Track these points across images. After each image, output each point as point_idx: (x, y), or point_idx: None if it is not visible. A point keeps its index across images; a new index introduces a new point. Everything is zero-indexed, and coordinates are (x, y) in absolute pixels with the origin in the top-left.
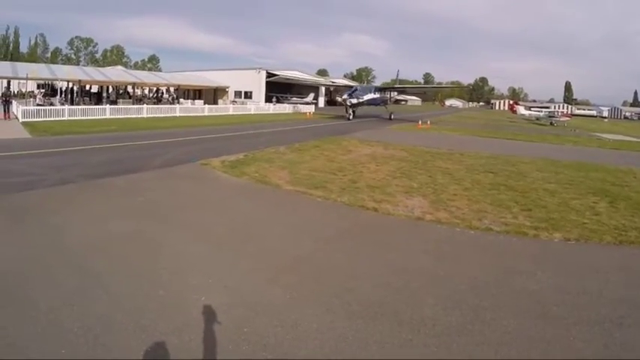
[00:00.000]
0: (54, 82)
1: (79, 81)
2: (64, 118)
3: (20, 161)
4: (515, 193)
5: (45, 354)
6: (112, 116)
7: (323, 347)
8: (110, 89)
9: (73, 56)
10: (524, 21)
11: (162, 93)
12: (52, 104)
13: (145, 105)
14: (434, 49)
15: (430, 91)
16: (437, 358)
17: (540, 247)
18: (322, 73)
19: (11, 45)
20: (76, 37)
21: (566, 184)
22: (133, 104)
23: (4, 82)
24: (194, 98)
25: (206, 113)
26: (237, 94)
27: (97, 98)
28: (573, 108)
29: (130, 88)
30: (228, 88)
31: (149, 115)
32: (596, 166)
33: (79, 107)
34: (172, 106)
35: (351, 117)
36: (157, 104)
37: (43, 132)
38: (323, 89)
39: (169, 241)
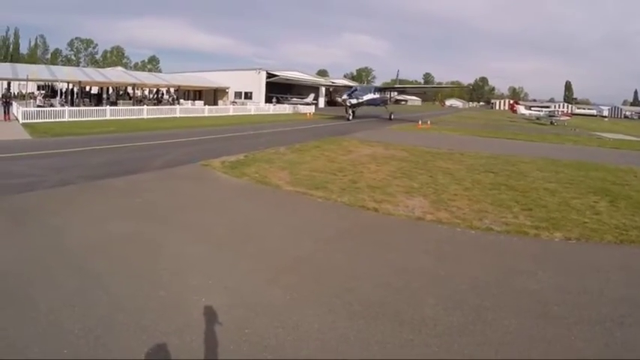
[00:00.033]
0: (54, 84)
1: (79, 82)
2: (64, 120)
3: (20, 162)
4: (515, 192)
5: (46, 355)
6: (112, 117)
7: (324, 348)
8: (110, 90)
9: (73, 57)
10: (524, 21)
11: (163, 94)
12: (52, 105)
13: (145, 106)
14: (434, 49)
15: (430, 91)
16: (438, 358)
17: (541, 247)
18: (322, 73)
19: (11, 46)
20: (76, 38)
21: (566, 183)
22: (133, 105)
23: (5, 83)
24: (194, 99)
25: (206, 114)
26: (238, 94)
27: (97, 99)
28: (573, 107)
29: (130, 89)
30: (228, 88)
31: (149, 116)
32: (596, 166)
33: (79, 108)
34: (172, 107)
35: (350, 117)
36: (157, 105)
37: (43, 133)
38: (323, 90)
39: (169, 242)
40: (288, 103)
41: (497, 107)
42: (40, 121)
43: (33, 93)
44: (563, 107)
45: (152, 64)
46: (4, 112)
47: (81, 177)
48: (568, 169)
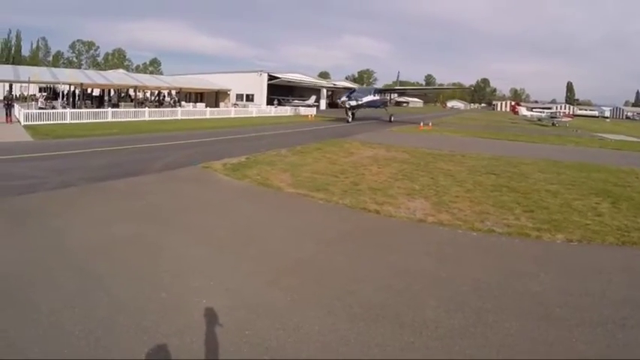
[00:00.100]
0: (56, 86)
1: (81, 84)
2: (65, 122)
3: (22, 164)
4: (517, 194)
5: (46, 356)
6: (113, 119)
7: (325, 350)
8: (112, 92)
9: (74, 59)
10: (525, 22)
11: (164, 96)
12: (53, 107)
13: (146, 108)
14: (435, 50)
15: (432, 93)
16: None
17: (543, 249)
18: (324, 75)
19: (13, 48)
20: (78, 40)
21: (568, 185)
22: (135, 107)
23: (7, 85)
24: (196, 101)
25: (208, 116)
26: (239, 96)
27: (99, 101)
28: (575, 108)
29: (131, 91)
30: (229, 90)
31: (151, 118)
32: (598, 167)
33: (81, 110)
34: (174, 109)
35: (350, 119)
36: (159, 107)
37: (44, 135)
38: (324, 92)
39: (171, 244)
40: (290, 105)
41: (498, 109)
42: (42, 123)
43: (35, 95)
44: (565, 108)
45: (154, 66)
46: (6, 114)
47: (82, 179)
48: (570, 171)
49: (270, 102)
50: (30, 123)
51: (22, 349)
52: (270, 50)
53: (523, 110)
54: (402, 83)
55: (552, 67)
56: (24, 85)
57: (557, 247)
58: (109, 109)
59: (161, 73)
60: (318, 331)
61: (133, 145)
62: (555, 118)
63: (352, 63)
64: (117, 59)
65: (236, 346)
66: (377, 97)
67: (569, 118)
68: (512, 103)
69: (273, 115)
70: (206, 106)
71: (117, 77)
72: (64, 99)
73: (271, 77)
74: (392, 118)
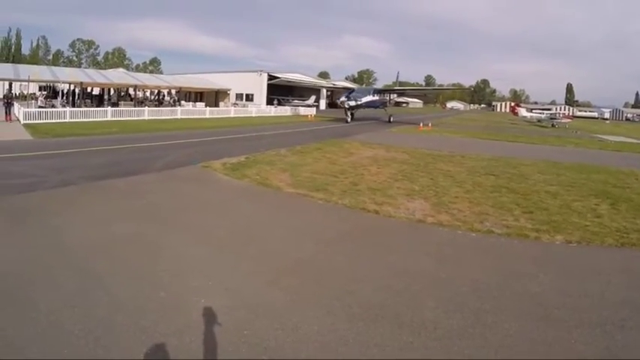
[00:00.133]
0: (55, 84)
1: (81, 83)
2: (65, 120)
3: (22, 163)
4: (516, 195)
5: (45, 355)
6: (113, 118)
7: (324, 350)
8: (112, 91)
9: (74, 58)
10: (525, 23)
11: (164, 95)
12: (53, 106)
13: (146, 107)
14: (435, 51)
15: (431, 94)
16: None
17: (542, 250)
18: (324, 75)
19: (13, 47)
20: (78, 39)
21: (567, 186)
22: (135, 106)
23: (6, 84)
24: (195, 101)
25: (207, 116)
26: (239, 96)
27: (99, 100)
28: (575, 110)
29: (131, 91)
30: (229, 90)
31: (150, 118)
32: (597, 168)
33: (81, 109)
34: (174, 108)
35: (349, 119)
36: (159, 106)
37: (44, 134)
38: (324, 92)
39: (170, 244)
40: (289, 105)
41: (498, 109)
42: (42, 121)
43: (34, 94)
44: (565, 110)
45: (154, 65)
46: (6, 112)
47: (82, 178)
48: (569, 172)
49: (269, 102)
50: (29, 122)
51: (21, 348)
52: (270, 50)
53: (523, 111)
54: (401, 84)
55: (552, 68)
56: (24, 83)
57: (556, 248)
58: (109, 108)
59: (161, 73)
60: (317, 331)
61: (133, 144)
62: (555, 119)
63: (352, 63)
64: (117, 58)
65: (235, 345)
66: (376, 98)
67: (569, 120)
68: (512, 104)
69: (272, 114)
70: (206, 106)
71: (117, 76)
72: (64, 98)
73: (271, 77)
74: (391, 119)
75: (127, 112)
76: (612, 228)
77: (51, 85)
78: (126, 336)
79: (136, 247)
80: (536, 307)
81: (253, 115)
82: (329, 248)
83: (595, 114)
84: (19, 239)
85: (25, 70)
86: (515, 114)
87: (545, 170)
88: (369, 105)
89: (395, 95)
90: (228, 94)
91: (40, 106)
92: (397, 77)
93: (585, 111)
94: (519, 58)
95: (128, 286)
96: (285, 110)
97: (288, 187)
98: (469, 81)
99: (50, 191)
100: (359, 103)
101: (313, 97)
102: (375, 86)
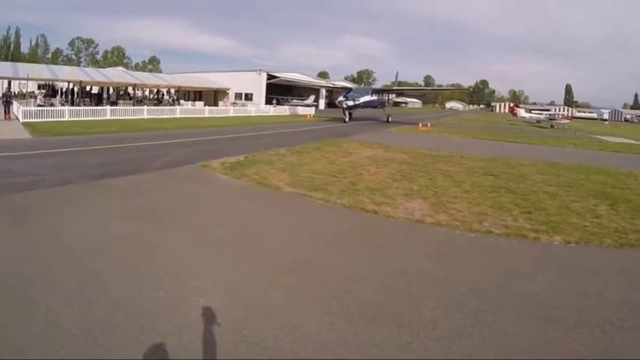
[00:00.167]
0: (54, 83)
1: (80, 82)
2: (64, 119)
3: (21, 162)
4: (515, 195)
5: (44, 355)
6: (112, 117)
7: (323, 350)
8: (111, 90)
9: (73, 57)
10: (525, 24)
11: (163, 94)
12: (52, 105)
13: (145, 106)
14: (435, 51)
15: (430, 94)
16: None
17: (541, 250)
18: (323, 75)
19: (12, 45)
20: (77, 37)
21: (566, 186)
22: (134, 105)
23: (5, 82)
24: (194, 100)
25: (206, 115)
26: (238, 95)
27: (98, 99)
28: (574, 110)
29: (130, 90)
30: (228, 89)
31: (149, 117)
32: (596, 169)
33: (80, 108)
34: (173, 107)
35: (347, 119)
36: (158, 105)
37: (43, 133)
38: (323, 91)
39: (169, 243)
40: (288, 105)
41: (497, 110)
42: (41, 120)
43: (33, 92)
44: (564, 110)
45: (153, 64)
46: (5, 111)
47: (81, 176)
48: (568, 173)
49: (268, 101)
50: (28, 120)
51: (20, 347)
52: (270, 50)
53: (522, 112)
54: (400, 84)
55: (551, 68)
56: (23, 82)
57: (555, 248)
58: (108, 107)
59: (160, 72)
60: (316, 330)
61: (132, 143)
62: (554, 120)
63: (351, 63)
64: (116, 57)
65: (234, 345)
66: (374, 98)
67: (568, 120)
68: (511, 104)
69: (271, 114)
70: (205, 105)
71: (116, 75)
72: (63, 96)
73: (270, 76)
74: (389, 119)
75: (125, 111)
76: (611, 228)
77: (50, 83)
78: (125, 335)
79: (135, 246)
80: (535, 307)
81: (252, 114)
82: (328, 248)
83: (594, 115)
84: (19, 238)
85: (24, 68)
86: (514, 115)
87: (544, 171)
88: (367, 105)
89: (393, 95)
90: (228, 94)
91: (39, 105)
92: (396, 77)
93: (584, 112)
94: (519, 59)
95: (127, 285)
96: (284, 110)
97: (287, 186)
98: (468, 81)
99: (49, 190)
100: (357, 102)
101: (312, 97)
102: (374, 86)
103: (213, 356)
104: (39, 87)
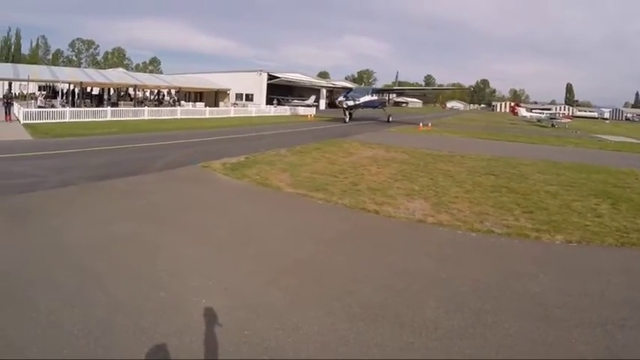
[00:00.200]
0: (55, 84)
1: (81, 83)
2: (65, 120)
3: (21, 163)
4: (516, 195)
5: (45, 355)
6: (113, 118)
7: (324, 350)
8: (111, 91)
9: (74, 58)
10: (525, 23)
11: (164, 95)
12: (53, 106)
13: (146, 107)
14: (435, 51)
15: (431, 93)
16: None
17: (542, 250)
18: (323, 75)
19: (13, 47)
20: (78, 39)
21: (567, 186)
22: (134, 106)
23: (6, 83)
24: (195, 100)
25: (207, 116)
26: (239, 96)
27: (98, 100)
28: (575, 110)
29: (131, 91)
30: (229, 90)
31: (150, 118)
32: (597, 168)
33: (80, 109)
34: (173, 108)
35: (347, 120)
36: (158, 106)
37: (44, 134)
38: (324, 91)
39: (170, 243)
40: (289, 105)
41: (498, 109)
42: (41, 121)
43: (34, 93)
44: (565, 109)
45: (153, 65)
46: (6, 112)
47: (82, 178)
48: (569, 172)
49: (269, 102)
50: (29, 121)
51: (21, 348)
52: (270, 50)
53: (522, 111)
54: (400, 83)
55: (552, 68)
56: (23, 83)
57: (556, 248)
58: (109, 108)
59: (161, 72)
60: (318, 331)
61: (133, 144)
62: (555, 119)
63: (352, 63)
64: (116, 58)
65: (235, 346)
66: (375, 97)
67: (569, 120)
68: (512, 104)
69: (272, 114)
70: (205, 106)
71: (116, 76)
72: (64, 98)
73: (271, 77)
74: (390, 119)
75: (126, 112)
76: (612, 228)
77: (50, 84)
78: (126, 336)
79: (136, 247)
80: (537, 307)
81: (253, 115)
82: (329, 248)
83: (595, 114)
84: (20, 239)
85: (25, 69)
86: (515, 114)
87: (545, 170)
88: (367, 105)
89: (394, 95)
90: (228, 94)
91: (39, 106)
92: (396, 77)
93: (585, 111)
94: (519, 59)
95: (128, 286)
96: (284, 110)
97: (288, 187)
98: (469, 81)
99: (50, 191)
100: (357, 102)
101: (313, 97)
102: (374, 86)
103: (215, 357)
104: (40, 88)
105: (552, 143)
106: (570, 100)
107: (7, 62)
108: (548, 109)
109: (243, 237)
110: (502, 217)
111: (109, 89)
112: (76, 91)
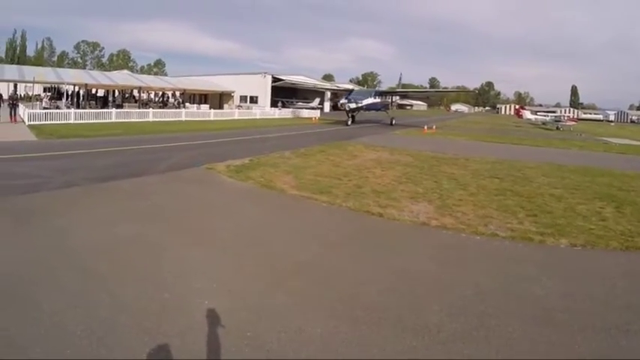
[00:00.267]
0: (60, 86)
1: (86, 85)
2: (70, 122)
3: (26, 164)
4: (521, 198)
5: (48, 355)
6: (117, 120)
7: (326, 352)
8: (116, 93)
9: (79, 60)
10: (530, 25)
11: (168, 97)
12: (58, 107)
13: (150, 109)
14: (440, 53)
15: (435, 96)
16: None
17: (546, 253)
18: (328, 78)
19: (18, 49)
20: (83, 41)
21: (572, 189)
22: (139, 108)
23: (11, 85)
24: (200, 103)
25: (212, 118)
26: (243, 98)
27: (103, 102)
28: (580, 112)
29: (135, 92)
30: (233, 92)
31: (155, 119)
32: (602, 171)
33: (85, 111)
34: (178, 110)
35: (349, 122)
36: (163, 108)
37: (49, 135)
38: (328, 94)
39: (173, 245)
40: (293, 108)
41: (502, 112)
42: (46, 122)
43: (39, 95)
44: (569, 112)
45: (158, 67)
46: (11, 113)
47: (86, 179)
48: (574, 175)
49: (274, 104)
50: (34, 123)
51: (23, 348)
52: (275, 52)
53: (527, 114)
54: (404, 86)
55: (557, 70)
56: (29, 85)
57: (560, 251)
58: (113, 110)
59: (165, 74)
60: (320, 333)
61: (137, 145)
62: (559, 121)
63: (356, 66)
64: (121, 60)
65: (237, 347)
66: (378, 100)
67: (574, 122)
68: (517, 106)
69: (277, 117)
70: (210, 108)
71: (121, 78)
72: (69, 99)
73: (275, 79)
74: (393, 122)
75: (131, 114)
76: (617, 231)
77: (55, 86)
78: (129, 337)
79: (140, 248)
80: (540, 311)
81: (257, 117)
82: (332, 251)
83: (600, 116)
84: (23, 240)
85: (30, 71)
86: (520, 116)
87: (549, 173)
88: (370, 107)
89: (397, 97)
90: (233, 97)
91: (44, 108)
92: (399, 79)
93: (590, 113)
94: (524, 61)
95: (131, 287)
96: (289, 113)
97: (292, 189)
98: (473, 83)
99: (54, 192)
100: (359, 105)
101: (317, 100)
102: (379, 88)
103: (217, 357)
104: (45, 90)
105: (557, 146)
106: (575, 102)
107: (12, 64)
108: (553, 112)
109: (246, 239)
110: (506, 220)
111: (113, 91)
112: (81, 92)
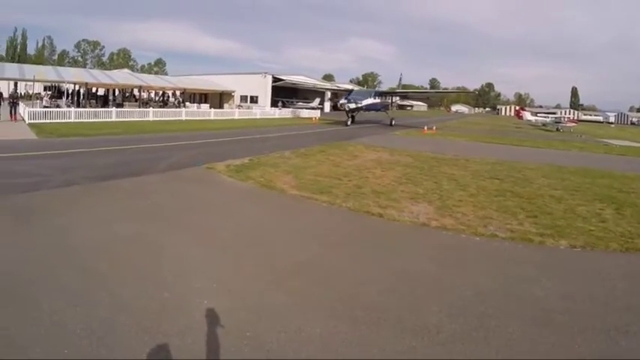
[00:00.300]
0: (60, 85)
1: (86, 83)
2: (70, 120)
3: (26, 162)
4: (521, 199)
5: (48, 355)
6: (118, 119)
7: (326, 352)
8: (116, 92)
9: (79, 59)
10: (530, 26)
11: (169, 96)
12: (58, 106)
13: (151, 108)
14: (440, 54)
15: (436, 97)
16: None
17: (546, 254)
18: (328, 78)
19: (19, 47)
20: (83, 40)
21: (572, 190)
22: (139, 107)
23: (12, 83)
24: (200, 102)
25: (212, 117)
26: (243, 98)
27: (104, 101)
28: (580, 114)
29: (136, 92)
30: (234, 92)
31: (155, 119)
32: (602, 173)
33: (86, 109)
34: (178, 109)
35: (349, 122)
36: (163, 107)
37: (49, 134)
38: (329, 94)
39: (173, 244)
40: (293, 108)
41: (502, 113)
42: (47, 121)
43: (39, 94)
44: (570, 113)
45: (158, 66)
46: (11, 112)
47: (86, 178)
48: (574, 176)
49: (274, 104)
50: (34, 121)
51: (23, 347)
52: (275, 52)
53: (527, 115)
54: (405, 86)
55: (557, 71)
56: (29, 83)
57: (560, 252)
58: (114, 109)
59: (166, 74)
60: (320, 333)
61: (137, 144)
62: (560, 123)
63: (357, 66)
64: (122, 59)
65: (237, 347)
66: (377, 100)
67: (574, 124)
68: (517, 107)
69: (277, 117)
70: (210, 107)
71: (121, 77)
72: (69, 98)
73: (275, 79)
74: (393, 122)
75: (131, 113)
76: (617, 233)
77: (56, 85)
78: (128, 336)
79: (139, 247)
80: (540, 312)
81: (257, 117)
82: (332, 251)
83: (600, 118)
84: (23, 238)
85: (31, 70)
86: (520, 118)
87: (549, 174)
88: (369, 108)
89: (397, 98)
90: (233, 96)
91: (45, 106)
92: (400, 80)
93: (590, 115)
94: (524, 62)
95: (131, 286)
96: (289, 112)
97: (292, 189)
98: (474, 84)
99: (54, 191)
100: (359, 105)
101: (317, 100)
102: (379, 89)
103: (216, 357)
104: (45, 88)
105: (557, 147)
106: (575, 103)
107: (12, 62)
108: (554, 113)
109: (246, 238)
110: (506, 221)
111: (114, 90)
112: (82, 91)
